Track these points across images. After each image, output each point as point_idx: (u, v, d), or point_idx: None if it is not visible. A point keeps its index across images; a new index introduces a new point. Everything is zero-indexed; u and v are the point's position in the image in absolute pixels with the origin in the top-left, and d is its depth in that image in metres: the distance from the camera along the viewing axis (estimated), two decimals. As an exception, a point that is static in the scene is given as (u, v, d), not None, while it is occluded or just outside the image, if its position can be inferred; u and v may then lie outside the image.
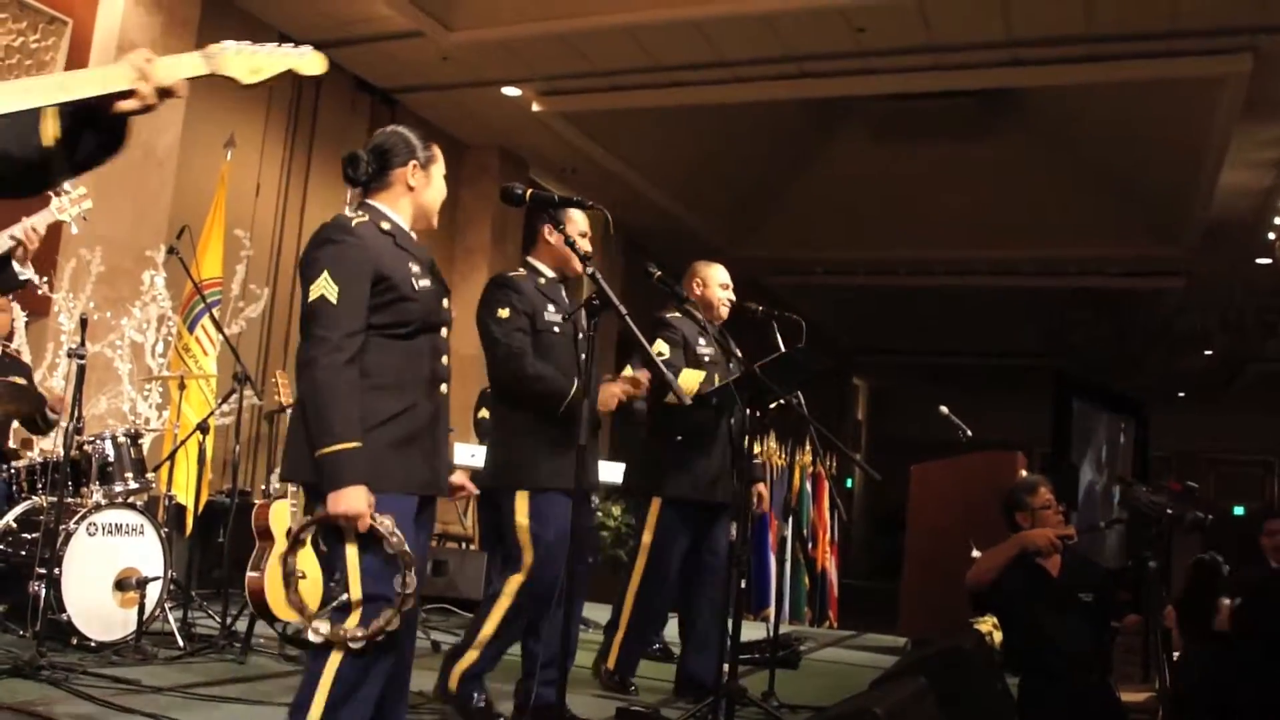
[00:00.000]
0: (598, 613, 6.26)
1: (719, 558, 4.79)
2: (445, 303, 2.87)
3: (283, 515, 5.33)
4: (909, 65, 9.10)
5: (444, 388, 2.84)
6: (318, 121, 9.74)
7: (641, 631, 4.95)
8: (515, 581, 3.83)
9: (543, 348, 3.86)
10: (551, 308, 3.92)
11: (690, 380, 4.63)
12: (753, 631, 6.29)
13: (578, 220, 3.96)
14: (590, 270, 3.13)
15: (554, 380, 3.78)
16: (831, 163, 13.10)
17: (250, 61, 1.91)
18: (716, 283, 5.04)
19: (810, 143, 12.79)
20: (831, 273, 16.11)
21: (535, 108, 10.36)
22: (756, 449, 6.89)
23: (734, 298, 5.07)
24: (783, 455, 10.35)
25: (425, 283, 2.78)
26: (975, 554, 4.74)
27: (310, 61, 1.96)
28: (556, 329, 3.90)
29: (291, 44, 1.99)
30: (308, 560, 4.47)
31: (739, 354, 4.39)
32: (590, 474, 3.78)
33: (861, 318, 18.93)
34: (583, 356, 3.36)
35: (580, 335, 3.91)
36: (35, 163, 1.91)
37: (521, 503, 3.83)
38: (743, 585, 4.06)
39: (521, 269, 4.02)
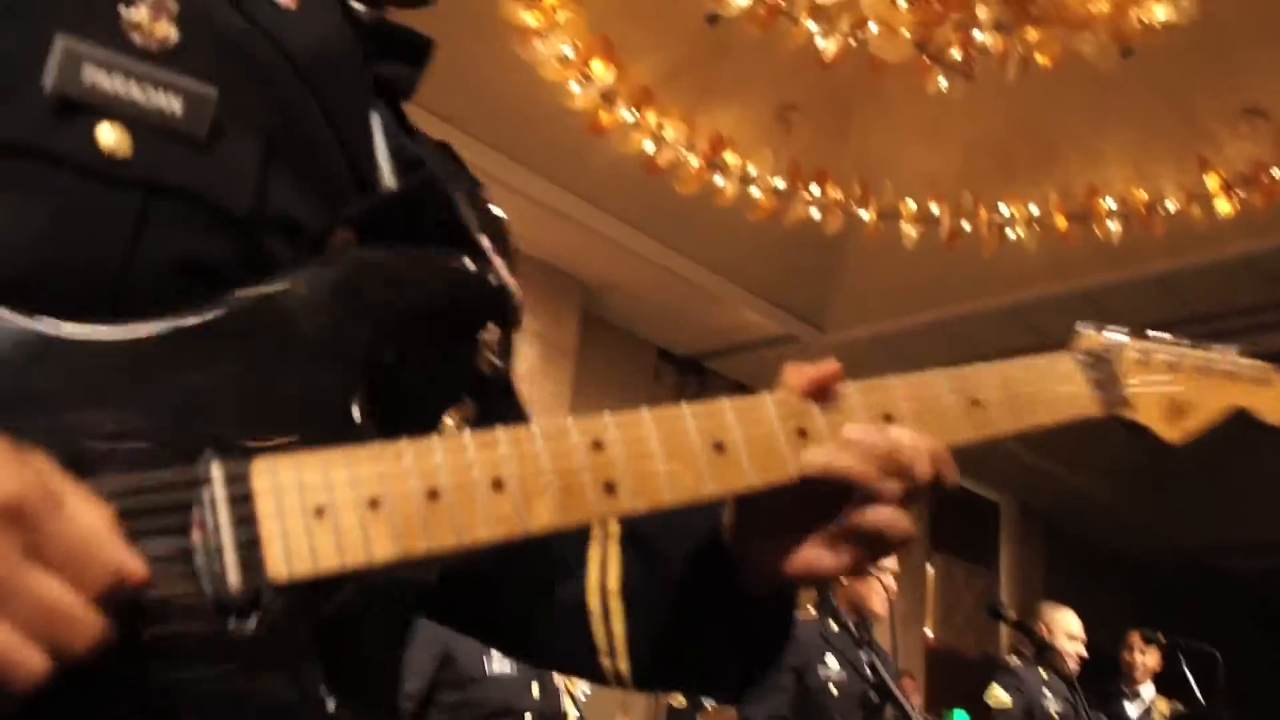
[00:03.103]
0: None
1: None
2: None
3: None
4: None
5: None
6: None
7: None
8: None
9: (814, 709, 3.31)
10: (833, 660, 3.36)
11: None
12: None
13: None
14: (869, 658, 2.66)
15: None
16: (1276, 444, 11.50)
17: (1171, 393, 0.97)
18: (1063, 631, 4.44)
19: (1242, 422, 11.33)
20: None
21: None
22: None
23: (1083, 650, 4.42)
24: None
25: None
26: None
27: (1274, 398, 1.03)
28: (835, 687, 3.34)
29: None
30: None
31: (1091, 714, 3.67)
32: None
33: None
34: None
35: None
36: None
37: None
38: None
39: (810, 608, 3.49)
